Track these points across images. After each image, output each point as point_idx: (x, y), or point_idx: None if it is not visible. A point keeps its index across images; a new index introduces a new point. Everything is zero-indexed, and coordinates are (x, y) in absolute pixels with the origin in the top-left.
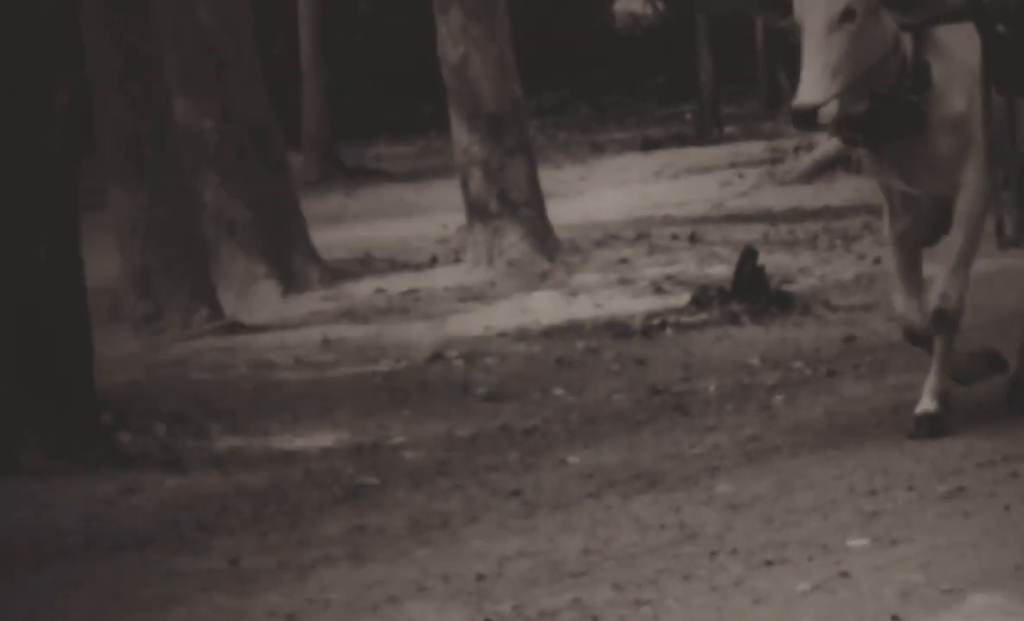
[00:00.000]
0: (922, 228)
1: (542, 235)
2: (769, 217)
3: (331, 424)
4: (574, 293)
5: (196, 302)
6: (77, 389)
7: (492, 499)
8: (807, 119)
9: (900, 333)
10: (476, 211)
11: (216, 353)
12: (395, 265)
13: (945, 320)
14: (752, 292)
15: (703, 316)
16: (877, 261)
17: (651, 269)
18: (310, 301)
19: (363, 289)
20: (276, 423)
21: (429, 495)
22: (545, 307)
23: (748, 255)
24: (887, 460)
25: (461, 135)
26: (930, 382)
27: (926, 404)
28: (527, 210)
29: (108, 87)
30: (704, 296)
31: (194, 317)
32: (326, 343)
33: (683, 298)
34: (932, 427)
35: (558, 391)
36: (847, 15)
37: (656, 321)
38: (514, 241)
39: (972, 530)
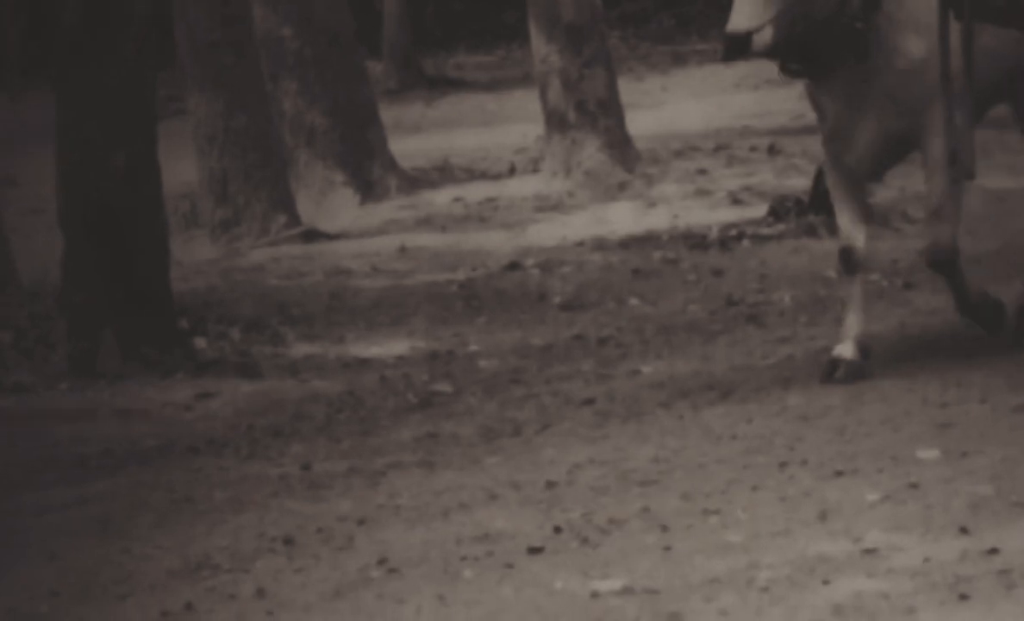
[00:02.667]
0: (870, 162)
1: (621, 146)
2: None
3: (406, 332)
4: (652, 204)
5: (274, 209)
6: (154, 294)
7: (565, 408)
8: (740, 46)
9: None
10: (554, 121)
11: (293, 260)
12: (473, 174)
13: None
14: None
15: (780, 228)
16: None
17: (729, 180)
18: (388, 209)
19: (441, 198)
20: (351, 330)
21: (502, 403)
22: (622, 218)
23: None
24: (960, 372)
25: (540, 45)
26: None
27: (842, 349)
28: (606, 120)
29: None
30: (781, 207)
31: (271, 224)
32: (403, 251)
33: (760, 210)
34: (848, 372)
35: (633, 301)
36: None
37: (733, 232)
38: (592, 152)
39: None
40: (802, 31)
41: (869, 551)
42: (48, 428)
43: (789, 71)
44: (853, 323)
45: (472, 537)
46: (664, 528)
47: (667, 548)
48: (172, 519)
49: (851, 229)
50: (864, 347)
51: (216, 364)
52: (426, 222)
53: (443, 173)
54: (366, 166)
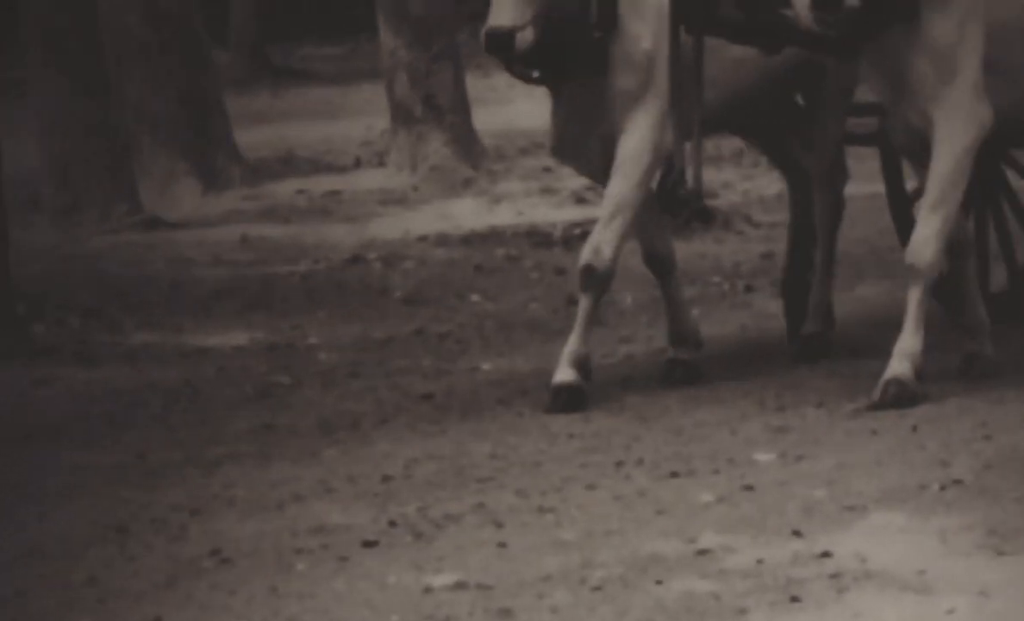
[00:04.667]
0: (604, 173)
1: (466, 142)
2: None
3: (246, 323)
4: (497, 201)
5: (116, 196)
6: None
7: (403, 402)
8: (503, 43)
9: None
10: (400, 115)
11: (134, 248)
12: (318, 167)
13: (594, 277)
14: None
15: None
16: None
17: (574, 179)
18: (231, 199)
19: (284, 189)
20: (191, 320)
21: (340, 396)
22: (466, 213)
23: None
24: (798, 377)
25: (388, 38)
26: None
27: (562, 374)
28: (452, 116)
29: None
30: None
31: (113, 211)
32: (245, 242)
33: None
34: (569, 400)
35: (475, 298)
36: None
37: (577, 231)
38: (438, 147)
39: (878, 448)
40: (549, 37)
41: (702, 552)
42: None
43: (525, 77)
44: (575, 343)
45: (307, 529)
46: (499, 525)
47: (501, 544)
48: (3, 505)
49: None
50: (586, 370)
51: (53, 351)
52: (269, 213)
53: (287, 164)
54: (210, 155)
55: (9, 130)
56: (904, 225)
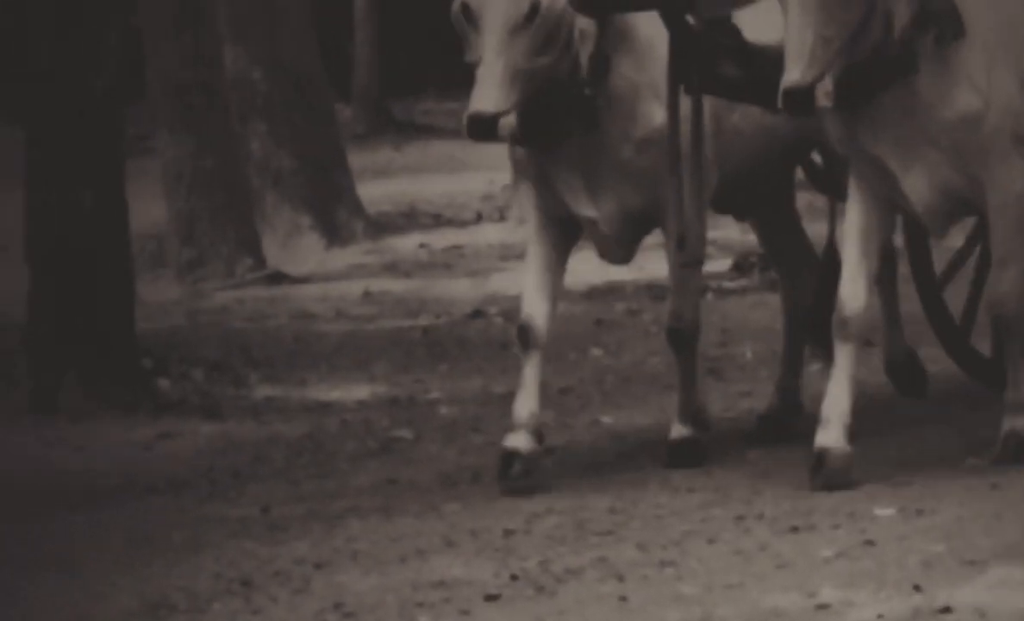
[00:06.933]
0: (609, 247)
1: None
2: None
3: (368, 377)
4: None
5: (239, 251)
6: (118, 333)
7: None
8: (486, 129)
9: None
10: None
11: (258, 302)
12: (439, 221)
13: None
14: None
15: (743, 282)
16: None
17: None
18: (353, 254)
19: (406, 244)
20: (314, 374)
21: (462, 450)
22: (586, 268)
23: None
24: (917, 431)
25: None
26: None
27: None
28: None
29: (159, 34)
30: (745, 262)
31: (237, 266)
32: (367, 296)
33: (724, 263)
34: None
35: (595, 352)
36: (532, 12)
37: None
38: None
39: (998, 502)
40: (533, 100)
41: (822, 606)
42: (7, 465)
43: (512, 139)
44: (524, 407)
45: (429, 583)
46: (620, 578)
47: (622, 598)
48: (130, 558)
49: (532, 304)
50: (539, 434)
51: (178, 404)
52: (391, 267)
53: (409, 219)
54: (332, 210)
55: (135, 186)
56: (936, 314)
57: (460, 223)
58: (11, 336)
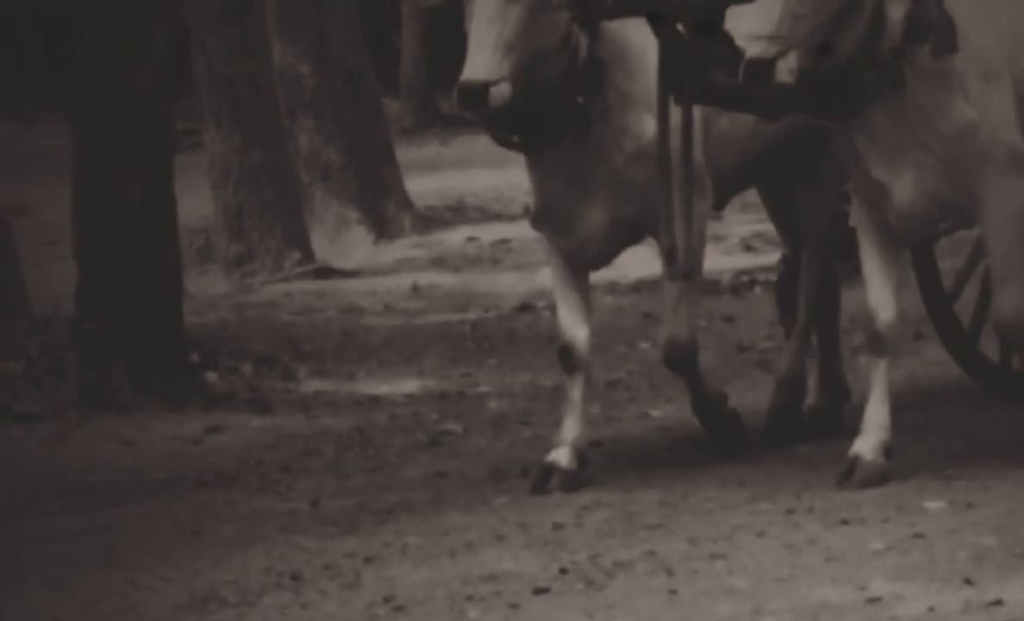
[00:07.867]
0: (595, 248)
1: None
2: None
3: (417, 371)
4: None
5: (288, 245)
6: (166, 327)
7: None
8: (476, 98)
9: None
10: None
11: (306, 296)
12: (487, 215)
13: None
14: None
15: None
16: None
17: (742, 226)
18: (401, 248)
19: (454, 238)
20: (362, 368)
21: (510, 444)
22: (635, 261)
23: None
24: (967, 424)
25: None
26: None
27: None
28: None
29: (206, 28)
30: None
31: (285, 260)
32: (416, 290)
33: (773, 256)
34: (563, 482)
35: (643, 345)
36: None
37: (745, 278)
38: None
39: None
40: (526, 100)
41: (873, 600)
42: (56, 457)
43: (504, 142)
44: (570, 428)
45: (478, 577)
46: (669, 572)
47: (672, 592)
48: (179, 552)
49: (570, 325)
50: (581, 455)
51: (226, 398)
52: (439, 262)
53: (457, 213)
54: (381, 204)
55: (183, 181)
56: (942, 321)
57: (508, 217)
58: (60, 330)
